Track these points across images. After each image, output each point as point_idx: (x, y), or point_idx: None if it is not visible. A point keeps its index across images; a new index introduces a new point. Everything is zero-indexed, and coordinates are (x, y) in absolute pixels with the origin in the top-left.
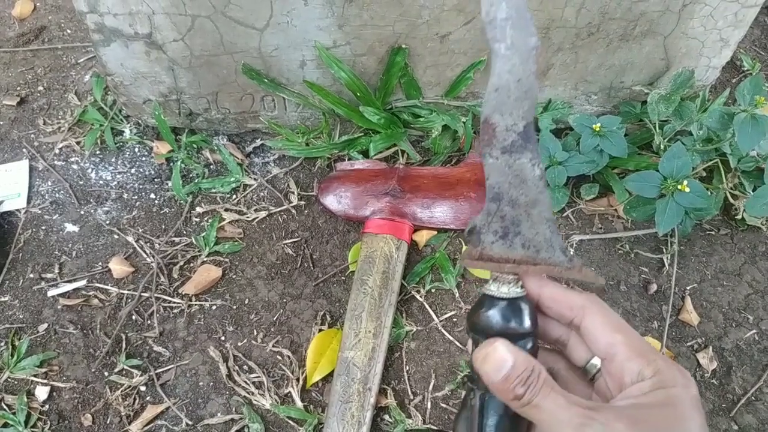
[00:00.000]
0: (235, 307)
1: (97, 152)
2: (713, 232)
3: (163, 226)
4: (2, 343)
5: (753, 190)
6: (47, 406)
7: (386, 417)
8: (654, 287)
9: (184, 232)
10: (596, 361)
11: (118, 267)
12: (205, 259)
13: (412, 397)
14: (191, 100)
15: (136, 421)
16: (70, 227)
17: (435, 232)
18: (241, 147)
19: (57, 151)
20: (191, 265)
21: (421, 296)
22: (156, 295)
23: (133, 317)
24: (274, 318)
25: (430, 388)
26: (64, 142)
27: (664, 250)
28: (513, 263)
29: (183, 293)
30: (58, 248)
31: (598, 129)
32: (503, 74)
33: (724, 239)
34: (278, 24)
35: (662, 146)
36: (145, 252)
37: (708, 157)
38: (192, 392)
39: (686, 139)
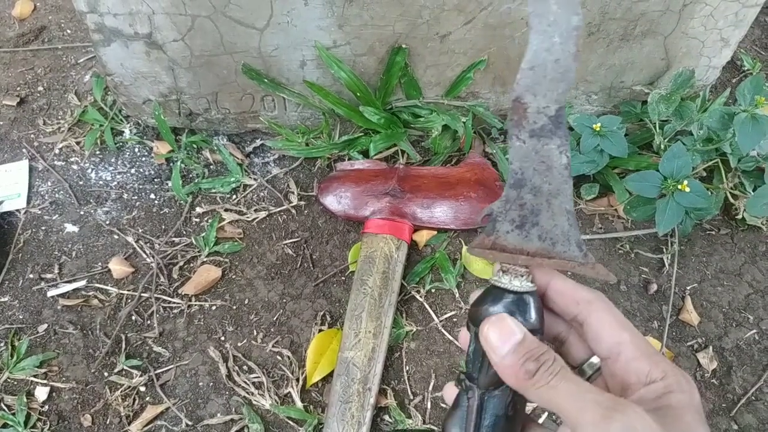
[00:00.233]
0: (234, 307)
1: (97, 152)
2: (713, 232)
3: (163, 227)
4: (2, 344)
5: (753, 190)
6: (47, 407)
7: (386, 417)
8: (654, 287)
9: (184, 233)
10: (595, 360)
11: (117, 267)
12: (204, 260)
13: (412, 397)
14: (191, 100)
15: (136, 421)
16: (70, 227)
17: (435, 232)
18: (241, 147)
19: (57, 152)
20: (191, 265)
21: (421, 296)
22: (156, 295)
23: (133, 317)
24: (274, 318)
25: (430, 388)
26: (64, 142)
27: (665, 249)
28: (527, 255)
29: (183, 293)
30: (57, 248)
31: (598, 129)
32: (541, 52)
33: (724, 239)
34: (278, 24)
35: (662, 146)
36: (144, 252)
37: (708, 156)
38: (192, 392)
39: (686, 139)
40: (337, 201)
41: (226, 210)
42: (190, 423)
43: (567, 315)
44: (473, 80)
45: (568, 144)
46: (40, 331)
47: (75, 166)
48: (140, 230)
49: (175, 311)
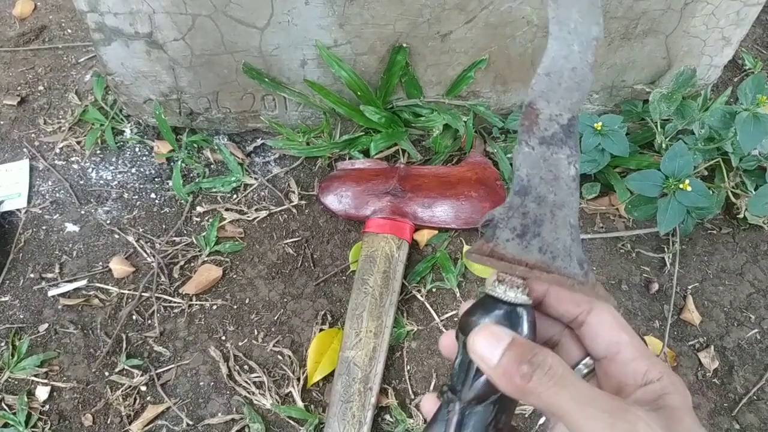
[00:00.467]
0: (235, 306)
1: (98, 152)
2: (715, 231)
3: (164, 226)
4: (3, 343)
5: (755, 189)
6: (48, 406)
7: (387, 417)
8: (655, 286)
9: (185, 232)
10: (589, 362)
11: (118, 267)
12: (205, 259)
13: (413, 397)
14: (192, 99)
15: (137, 421)
16: (71, 227)
17: (436, 232)
18: (242, 146)
19: (57, 151)
20: (192, 264)
21: (422, 296)
22: (156, 294)
23: (134, 317)
24: (275, 318)
25: (431, 387)
26: (65, 141)
27: (666, 249)
28: (525, 266)
29: (183, 293)
30: (58, 248)
31: (599, 128)
32: (558, 59)
33: (725, 238)
34: (279, 23)
35: (664, 145)
36: (145, 252)
37: (710, 156)
38: (192, 392)
39: (688, 138)
40: (337, 200)
41: (226, 209)
42: (190, 422)
43: (566, 317)
44: (474, 79)
45: (578, 155)
46: (41, 331)
47: (76, 166)
48: (141, 230)
49: (176, 311)
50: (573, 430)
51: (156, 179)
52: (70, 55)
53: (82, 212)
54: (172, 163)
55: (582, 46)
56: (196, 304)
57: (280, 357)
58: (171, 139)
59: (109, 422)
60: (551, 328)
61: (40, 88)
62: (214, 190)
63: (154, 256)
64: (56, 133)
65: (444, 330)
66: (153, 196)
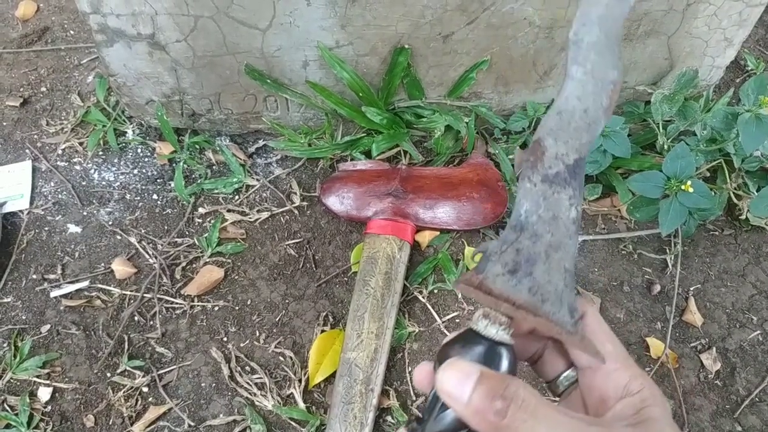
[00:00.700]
0: (237, 308)
1: (100, 153)
2: (717, 233)
3: (166, 227)
4: (5, 344)
5: (757, 191)
6: (50, 407)
7: (389, 418)
8: (657, 288)
9: (187, 233)
10: (571, 373)
11: (120, 268)
12: (207, 260)
13: (414, 398)
14: (194, 100)
15: (139, 422)
16: (73, 228)
17: (438, 233)
18: (244, 148)
19: (60, 152)
20: (194, 265)
21: (423, 297)
22: (158, 296)
23: (136, 318)
24: (277, 319)
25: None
26: (67, 142)
27: (668, 250)
28: (512, 305)
29: (185, 294)
30: (60, 249)
31: None
32: (571, 99)
33: (727, 240)
34: (281, 24)
35: (666, 146)
36: (147, 253)
37: (712, 157)
38: (194, 393)
39: (690, 139)
40: (339, 201)
41: (228, 211)
42: (192, 424)
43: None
44: (476, 80)
45: (581, 198)
46: (43, 332)
47: (78, 167)
48: (143, 231)
49: (178, 312)
50: None
51: (158, 180)
52: (72, 56)
53: (85, 213)
54: (174, 165)
55: (597, 88)
56: (198, 305)
57: (281, 358)
58: (173, 141)
59: (110, 423)
60: (536, 344)
61: (43, 89)
62: (216, 191)
63: (156, 257)
64: (59, 134)
65: (446, 331)
66: (155, 197)
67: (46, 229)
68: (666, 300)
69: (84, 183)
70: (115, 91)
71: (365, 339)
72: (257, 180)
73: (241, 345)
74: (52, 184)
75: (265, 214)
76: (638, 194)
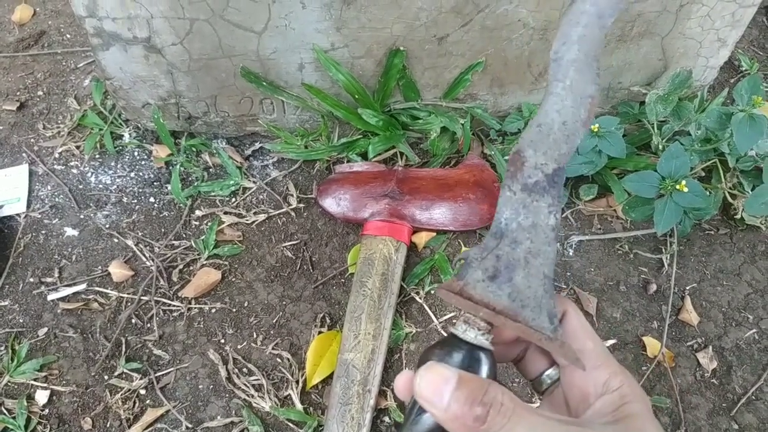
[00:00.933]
0: (234, 309)
1: (97, 156)
2: (712, 232)
3: (163, 230)
4: (2, 348)
5: (752, 190)
6: (47, 410)
7: (386, 419)
8: (653, 287)
9: (184, 236)
10: (553, 372)
11: (117, 271)
12: (204, 262)
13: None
14: (190, 103)
15: (136, 424)
16: (70, 231)
17: (434, 234)
18: (240, 150)
19: (57, 156)
20: (191, 268)
21: (420, 298)
22: (155, 298)
23: (133, 321)
24: (274, 320)
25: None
26: (64, 146)
27: (664, 250)
28: (492, 311)
29: (182, 296)
30: (57, 252)
31: (596, 130)
32: (551, 112)
33: (723, 239)
34: (276, 27)
35: (660, 146)
36: (144, 255)
37: (706, 157)
38: (192, 395)
39: (684, 139)
40: (336, 203)
41: (225, 213)
42: (190, 426)
43: None
44: (471, 82)
45: (559, 206)
46: (41, 335)
47: (75, 170)
48: (140, 233)
49: (175, 314)
50: None
51: (155, 183)
52: (69, 60)
53: (82, 216)
54: (170, 167)
55: (576, 102)
56: (195, 308)
57: (279, 360)
58: (170, 143)
59: (108, 426)
60: (518, 345)
61: (40, 93)
62: (212, 193)
63: (153, 260)
64: (55, 137)
65: (443, 332)
66: (152, 200)
67: (43, 232)
68: (662, 299)
69: (81, 186)
70: (112, 95)
71: (362, 340)
72: (254, 182)
73: (239, 347)
74: (49, 187)
75: (261, 216)
76: (633, 194)
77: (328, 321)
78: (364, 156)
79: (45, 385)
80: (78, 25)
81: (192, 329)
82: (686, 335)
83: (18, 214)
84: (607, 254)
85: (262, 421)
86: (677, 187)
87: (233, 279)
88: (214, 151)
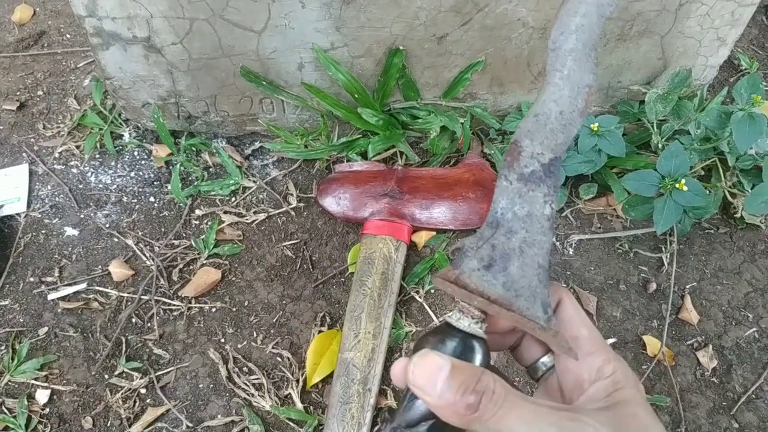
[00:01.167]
0: (234, 309)
1: (97, 156)
2: (712, 231)
3: (163, 229)
4: (3, 347)
5: (751, 189)
6: (48, 410)
7: (387, 414)
8: (653, 286)
9: (184, 235)
10: (548, 359)
11: (117, 270)
12: (204, 262)
13: None
14: (190, 103)
15: (137, 423)
16: (70, 231)
17: (434, 233)
18: (240, 149)
19: (57, 155)
20: (191, 267)
21: (420, 297)
22: (156, 297)
23: (133, 320)
24: (274, 320)
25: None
26: (64, 146)
27: (664, 249)
28: (487, 299)
29: (183, 296)
30: (58, 252)
31: (596, 129)
32: (548, 102)
33: (723, 238)
34: (276, 26)
35: (660, 145)
36: (144, 255)
37: (706, 155)
38: (192, 394)
39: (684, 138)
40: (336, 202)
41: (225, 212)
42: (190, 425)
43: None
44: (471, 81)
45: (555, 196)
46: (41, 334)
47: (75, 170)
48: (140, 233)
49: (175, 313)
50: None
51: (155, 183)
52: (69, 60)
53: (82, 216)
54: (170, 167)
55: (573, 91)
56: (195, 307)
57: (279, 359)
58: (169, 143)
59: (108, 425)
60: (513, 334)
61: (40, 93)
62: (212, 193)
63: (153, 260)
64: (55, 137)
65: None
66: (152, 199)
67: (44, 232)
68: (662, 298)
69: (81, 186)
70: (112, 94)
71: (362, 339)
72: (254, 182)
73: (239, 346)
74: (49, 187)
75: (261, 216)
76: (633, 193)
77: (328, 320)
78: (363, 155)
79: (45, 384)
80: (78, 25)
81: (192, 328)
82: (686, 334)
83: (18, 214)
84: (607, 253)
85: (262, 420)
86: (677, 186)
87: (233, 278)
88: (214, 151)
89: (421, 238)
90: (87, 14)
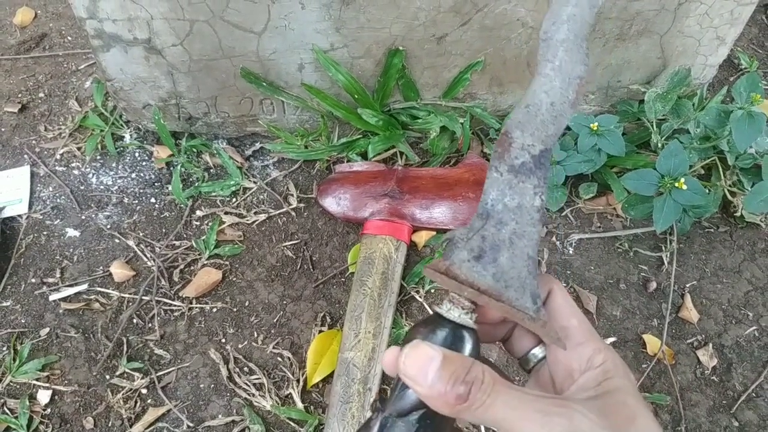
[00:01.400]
0: (235, 309)
1: (98, 157)
2: (712, 230)
3: (164, 230)
4: (4, 348)
5: (751, 187)
6: (49, 410)
7: None
8: (653, 285)
9: (185, 236)
10: (539, 350)
11: (119, 271)
12: (205, 262)
13: None
14: (190, 104)
15: (138, 423)
16: (72, 232)
17: (434, 233)
18: (241, 150)
19: (58, 157)
20: (192, 268)
21: (420, 296)
22: (157, 298)
23: (134, 320)
24: (275, 320)
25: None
26: (65, 147)
27: (664, 248)
28: (477, 290)
29: (183, 296)
30: (59, 253)
31: (595, 128)
32: (539, 93)
33: (723, 236)
34: (276, 28)
35: (660, 144)
36: (145, 256)
37: (706, 154)
38: (193, 394)
39: (684, 137)
40: (336, 203)
41: (226, 213)
42: (191, 425)
43: None
44: (470, 81)
45: (545, 187)
46: (42, 335)
47: (76, 171)
48: (141, 234)
49: (176, 314)
50: None
51: (156, 184)
52: (70, 62)
53: (83, 217)
54: (171, 168)
55: (564, 83)
56: (196, 307)
57: (279, 359)
58: (170, 144)
59: (110, 425)
60: (504, 326)
61: (41, 95)
62: (213, 194)
63: (154, 260)
64: (57, 139)
65: None
66: (153, 200)
67: (45, 233)
68: (662, 297)
69: (82, 187)
70: (113, 96)
71: (363, 339)
72: (254, 182)
73: (240, 346)
74: (51, 188)
75: (262, 216)
76: (633, 192)
77: (328, 320)
78: (364, 156)
79: (47, 384)
80: (79, 27)
81: (193, 329)
82: (686, 333)
83: (20, 215)
84: (607, 252)
85: (263, 420)
86: (676, 185)
87: (234, 279)
88: (215, 152)
89: (422, 238)
90: (88, 16)
